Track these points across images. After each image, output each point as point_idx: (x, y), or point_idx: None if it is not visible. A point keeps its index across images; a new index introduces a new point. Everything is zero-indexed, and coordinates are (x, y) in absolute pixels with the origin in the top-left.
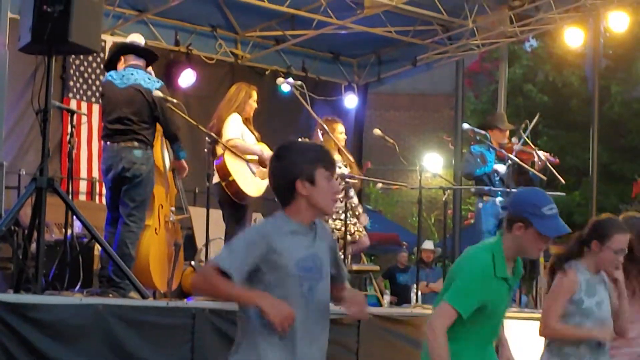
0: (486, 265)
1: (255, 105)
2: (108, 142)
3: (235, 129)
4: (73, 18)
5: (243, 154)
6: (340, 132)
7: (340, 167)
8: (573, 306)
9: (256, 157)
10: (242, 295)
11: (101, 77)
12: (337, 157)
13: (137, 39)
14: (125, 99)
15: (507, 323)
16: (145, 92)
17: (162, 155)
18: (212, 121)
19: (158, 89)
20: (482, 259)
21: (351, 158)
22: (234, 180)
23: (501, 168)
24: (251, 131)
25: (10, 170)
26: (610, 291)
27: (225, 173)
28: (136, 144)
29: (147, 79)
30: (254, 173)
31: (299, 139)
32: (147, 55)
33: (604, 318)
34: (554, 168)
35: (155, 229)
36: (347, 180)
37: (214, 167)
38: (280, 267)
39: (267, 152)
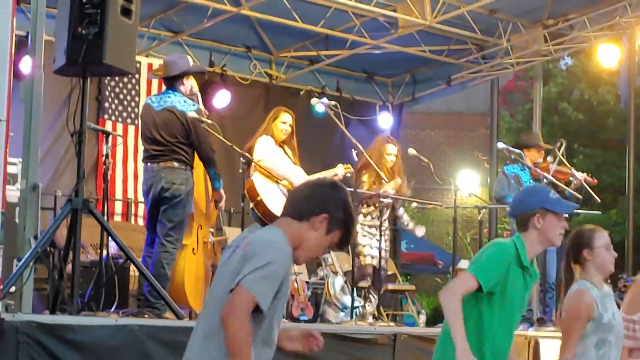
0: (509, 250)
1: (283, 126)
2: (148, 163)
3: (264, 151)
4: (107, 40)
5: (273, 175)
6: (388, 154)
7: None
8: (594, 324)
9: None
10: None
11: (137, 99)
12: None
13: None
14: (160, 121)
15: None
16: (179, 114)
17: (205, 176)
18: (247, 143)
19: (194, 112)
20: (507, 246)
21: (397, 179)
22: (261, 201)
23: None
24: (285, 153)
25: (46, 192)
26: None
27: (253, 194)
28: (175, 164)
29: (183, 102)
30: (284, 195)
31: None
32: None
33: (620, 329)
34: (590, 187)
35: (193, 249)
36: (381, 199)
37: (245, 188)
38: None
39: (295, 178)
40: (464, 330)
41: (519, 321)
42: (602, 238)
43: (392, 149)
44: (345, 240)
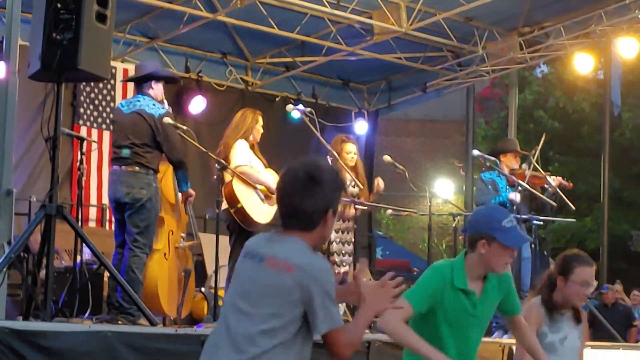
0: (443, 273)
1: (261, 130)
2: (114, 166)
3: (243, 156)
4: (82, 45)
5: (251, 181)
6: (347, 153)
7: (352, 187)
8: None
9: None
10: None
11: (112, 104)
12: (347, 176)
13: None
14: (129, 124)
15: None
16: (148, 117)
17: (174, 181)
18: (219, 148)
19: (163, 115)
20: (440, 268)
21: (360, 179)
22: (242, 207)
23: (516, 197)
24: (258, 157)
25: (20, 197)
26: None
27: (233, 200)
28: (137, 168)
29: (152, 105)
30: (262, 200)
31: (326, 161)
32: (167, 79)
33: (570, 356)
34: (566, 193)
35: (165, 254)
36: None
37: (222, 194)
38: None
39: (274, 183)
40: (426, 343)
41: (478, 342)
42: (581, 274)
43: (351, 148)
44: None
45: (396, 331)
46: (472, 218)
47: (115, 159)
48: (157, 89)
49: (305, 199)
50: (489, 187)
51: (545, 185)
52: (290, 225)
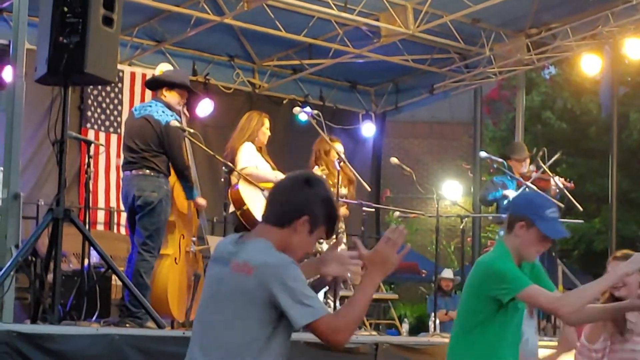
0: (506, 259)
1: (268, 133)
2: (125, 172)
3: (249, 158)
4: (89, 49)
5: (257, 182)
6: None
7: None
8: None
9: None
10: None
11: (119, 108)
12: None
13: (165, 68)
14: (136, 129)
15: None
16: (154, 123)
17: None
18: (225, 151)
19: (169, 122)
20: (501, 257)
21: (348, 177)
22: (248, 210)
23: (511, 194)
24: (265, 159)
25: (28, 201)
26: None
27: (239, 202)
28: (147, 171)
29: (161, 112)
30: None
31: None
32: (181, 87)
33: (531, 354)
34: (570, 194)
35: (175, 259)
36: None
37: (230, 196)
38: None
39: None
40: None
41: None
42: None
43: (339, 148)
44: (331, 232)
45: (576, 298)
46: (516, 199)
47: (125, 164)
48: (170, 96)
49: (290, 194)
50: (499, 188)
51: (552, 187)
52: (265, 218)
